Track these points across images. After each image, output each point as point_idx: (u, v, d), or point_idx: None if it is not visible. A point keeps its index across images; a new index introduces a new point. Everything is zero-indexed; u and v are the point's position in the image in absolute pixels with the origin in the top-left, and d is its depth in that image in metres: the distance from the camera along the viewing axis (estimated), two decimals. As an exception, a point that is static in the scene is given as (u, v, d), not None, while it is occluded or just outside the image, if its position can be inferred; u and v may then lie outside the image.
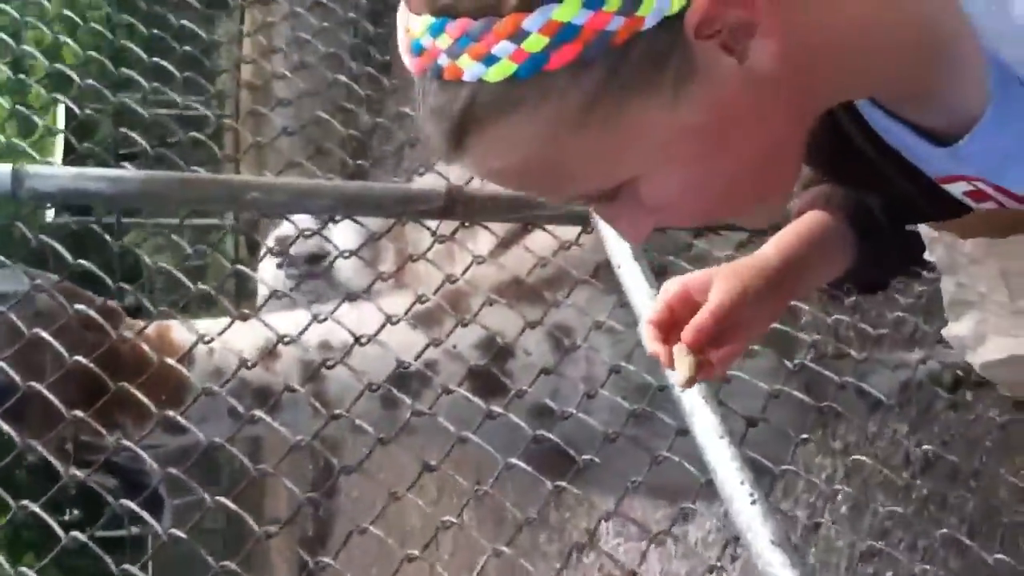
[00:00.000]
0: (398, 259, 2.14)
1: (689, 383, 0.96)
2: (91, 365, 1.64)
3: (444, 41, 0.71)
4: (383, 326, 1.79)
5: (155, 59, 2.16)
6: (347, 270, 2.21)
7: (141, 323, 1.80)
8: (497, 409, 1.74)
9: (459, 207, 1.94)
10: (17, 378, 1.61)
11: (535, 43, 0.69)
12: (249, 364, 1.74)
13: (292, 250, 2.07)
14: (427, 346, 1.80)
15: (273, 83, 3.05)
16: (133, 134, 2.16)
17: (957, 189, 0.91)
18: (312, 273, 2.19)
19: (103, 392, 1.64)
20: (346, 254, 1.99)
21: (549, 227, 2.04)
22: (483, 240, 2.06)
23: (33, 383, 1.60)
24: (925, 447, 2.56)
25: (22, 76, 2.32)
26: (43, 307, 1.73)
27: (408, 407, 1.79)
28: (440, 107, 0.74)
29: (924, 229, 0.92)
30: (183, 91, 2.15)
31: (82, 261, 1.69)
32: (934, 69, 0.79)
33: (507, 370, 1.94)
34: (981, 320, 0.94)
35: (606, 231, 1.88)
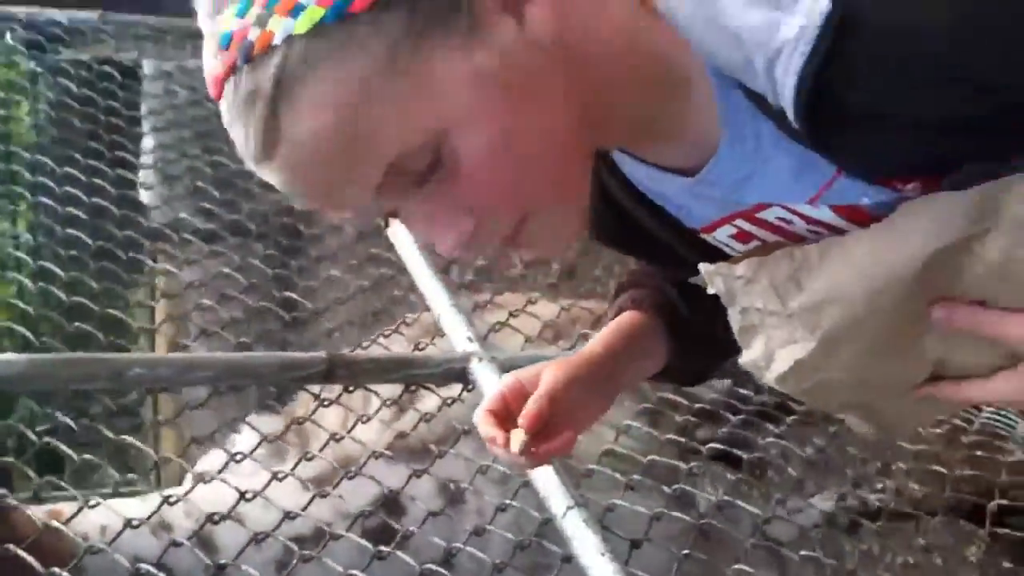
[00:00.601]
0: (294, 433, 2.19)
1: (522, 455, 1.00)
2: None
3: (253, 13, 0.77)
4: (269, 482, 1.81)
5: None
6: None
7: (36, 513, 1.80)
8: (386, 549, 1.75)
9: (340, 371, 2.00)
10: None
11: None
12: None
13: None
14: (312, 498, 1.82)
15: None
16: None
17: (723, 234, 1.00)
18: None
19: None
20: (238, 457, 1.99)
21: (432, 386, 2.11)
22: (375, 405, 2.12)
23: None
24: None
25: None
26: None
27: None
28: (251, 91, 0.79)
29: (703, 267, 1.00)
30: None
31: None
32: (675, 100, 0.89)
33: (402, 524, 1.96)
34: (767, 339, 0.99)
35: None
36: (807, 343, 0.94)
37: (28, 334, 2.14)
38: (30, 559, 1.61)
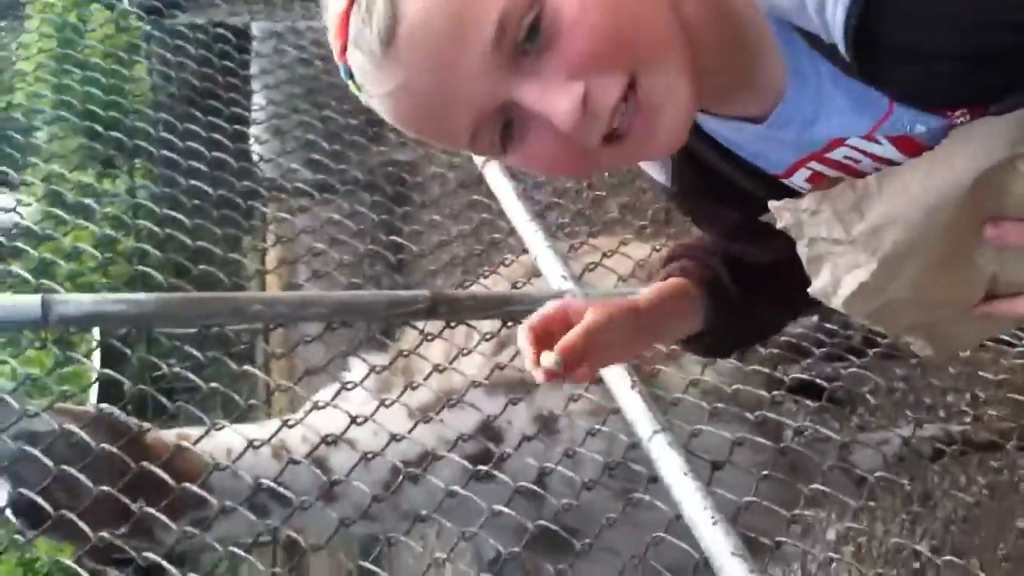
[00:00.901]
0: (400, 370, 2.35)
1: (548, 375, 1.10)
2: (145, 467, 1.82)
3: None
4: (377, 408, 1.97)
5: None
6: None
7: (167, 436, 2.00)
8: (484, 468, 1.89)
9: (442, 308, 2.14)
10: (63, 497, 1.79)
11: None
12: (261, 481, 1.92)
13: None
14: (416, 424, 1.97)
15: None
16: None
17: (800, 178, 1.10)
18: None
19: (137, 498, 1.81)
20: (350, 385, 2.16)
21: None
22: (476, 340, 2.26)
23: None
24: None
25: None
26: (79, 440, 1.91)
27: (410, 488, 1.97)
28: (378, 21, 0.89)
29: (772, 204, 1.10)
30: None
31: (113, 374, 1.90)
32: (746, 52, 0.99)
33: (500, 448, 2.10)
34: (833, 266, 1.07)
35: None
36: (870, 265, 1.04)
37: (158, 276, 2.32)
38: (164, 476, 1.80)
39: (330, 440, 1.93)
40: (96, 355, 2.47)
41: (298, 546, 1.89)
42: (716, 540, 1.69)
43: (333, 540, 1.84)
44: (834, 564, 2.97)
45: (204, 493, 1.87)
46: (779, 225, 1.10)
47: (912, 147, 1.00)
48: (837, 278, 1.10)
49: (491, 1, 0.87)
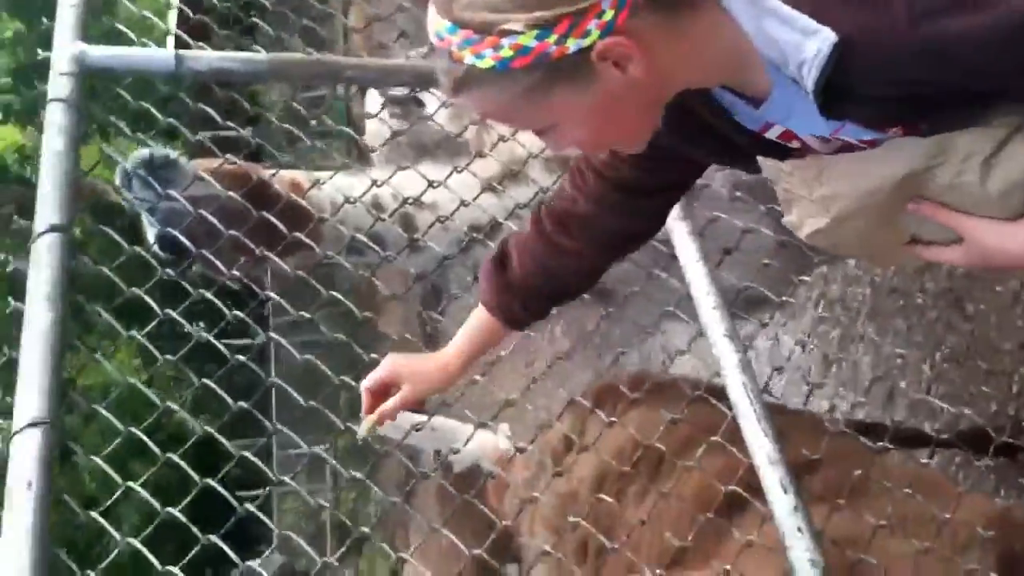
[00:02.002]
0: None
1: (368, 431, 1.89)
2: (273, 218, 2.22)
3: (455, 37, 1.25)
4: (450, 174, 2.35)
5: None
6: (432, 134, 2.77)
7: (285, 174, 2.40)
8: None
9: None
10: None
11: (506, 52, 1.23)
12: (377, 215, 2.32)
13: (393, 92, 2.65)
14: (481, 191, 2.36)
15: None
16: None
17: (773, 133, 1.48)
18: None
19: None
20: (427, 111, 2.52)
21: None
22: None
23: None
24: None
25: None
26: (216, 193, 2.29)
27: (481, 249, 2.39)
28: (447, 70, 1.29)
29: (761, 160, 1.55)
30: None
31: (230, 124, 2.28)
32: (742, 69, 1.36)
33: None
34: (800, 209, 1.57)
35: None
36: (824, 219, 1.53)
37: (269, 29, 2.63)
38: (280, 226, 2.20)
39: (411, 201, 2.33)
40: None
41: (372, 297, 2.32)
42: (713, 320, 2.11)
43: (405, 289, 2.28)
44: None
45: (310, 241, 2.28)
46: (764, 173, 1.57)
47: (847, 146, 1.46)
48: (801, 219, 1.60)
49: (516, 122, 1.41)
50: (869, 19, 1.22)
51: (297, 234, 2.14)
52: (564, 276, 1.86)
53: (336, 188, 2.35)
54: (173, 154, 2.29)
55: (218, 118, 2.30)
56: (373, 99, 3.04)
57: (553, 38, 1.22)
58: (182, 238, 2.12)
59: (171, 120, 2.34)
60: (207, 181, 2.23)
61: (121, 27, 2.43)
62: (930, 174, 1.41)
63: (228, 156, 2.32)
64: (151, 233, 2.26)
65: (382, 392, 1.92)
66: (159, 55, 2.27)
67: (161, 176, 2.23)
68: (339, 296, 2.14)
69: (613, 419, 2.23)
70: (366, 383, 1.92)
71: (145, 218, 2.29)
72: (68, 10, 2.21)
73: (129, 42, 2.35)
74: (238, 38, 2.81)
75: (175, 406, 2.05)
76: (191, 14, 2.58)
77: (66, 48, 2.16)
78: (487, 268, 1.90)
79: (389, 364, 1.93)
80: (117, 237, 2.09)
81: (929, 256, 1.57)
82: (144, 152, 2.26)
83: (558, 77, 1.26)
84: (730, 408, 2.01)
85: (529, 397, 2.30)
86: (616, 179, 1.71)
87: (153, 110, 2.28)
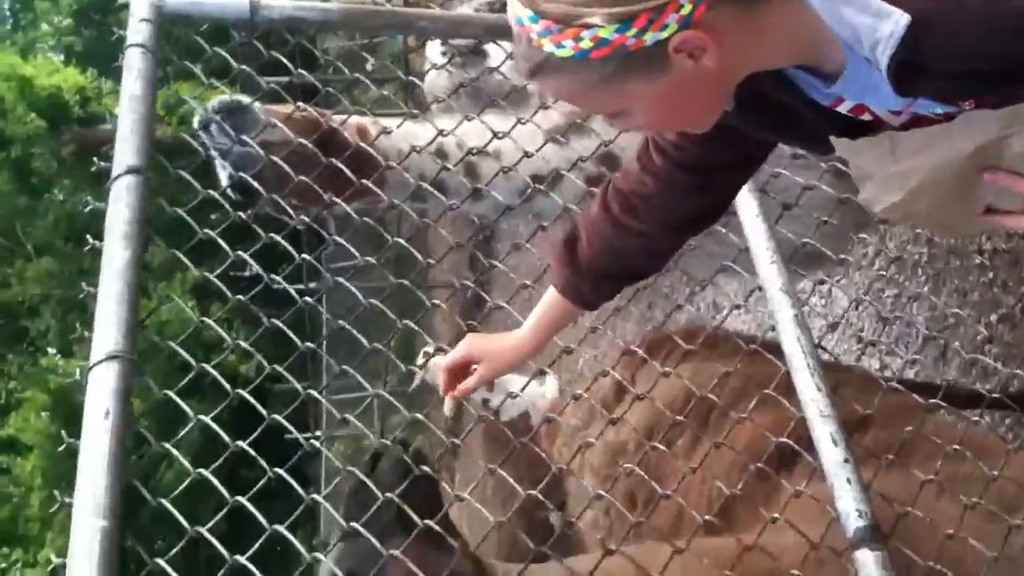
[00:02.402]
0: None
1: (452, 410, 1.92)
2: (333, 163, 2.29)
3: (536, 26, 1.29)
4: (514, 125, 2.40)
5: None
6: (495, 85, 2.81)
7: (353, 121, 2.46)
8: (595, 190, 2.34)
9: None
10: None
11: (586, 43, 1.28)
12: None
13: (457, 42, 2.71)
14: (545, 142, 2.40)
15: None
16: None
17: (844, 107, 1.51)
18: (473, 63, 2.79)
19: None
20: (491, 62, 2.57)
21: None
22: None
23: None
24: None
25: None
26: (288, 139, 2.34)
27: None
28: (526, 55, 1.34)
29: (833, 139, 1.56)
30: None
31: (303, 72, 2.35)
32: (816, 51, 1.40)
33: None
34: (874, 185, 1.63)
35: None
36: (899, 194, 1.59)
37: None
38: (348, 172, 2.25)
39: (475, 152, 2.37)
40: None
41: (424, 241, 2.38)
42: (771, 275, 2.14)
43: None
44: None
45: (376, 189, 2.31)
46: (837, 152, 1.61)
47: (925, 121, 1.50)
48: (876, 195, 1.66)
49: (591, 105, 1.44)
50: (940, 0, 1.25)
51: (365, 181, 2.20)
52: (632, 257, 1.92)
53: (402, 136, 2.41)
54: (248, 101, 2.35)
55: (291, 66, 2.36)
56: (434, 50, 3.08)
57: (632, 31, 1.27)
58: (254, 183, 2.19)
59: (244, 67, 2.40)
60: (279, 127, 2.29)
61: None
62: (1004, 144, 1.47)
63: (299, 104, 2.38)
64: (223, 176, 2.33)
65: (461, 371, 2.07)
66: (234, 3, 2.32)
67: (236, 122, 2.30)
68: (403, 242, 2.20)
69: (667, 369, 2.27)
70: (446, 363, 2.06)
71: (218, 162, 2.36)
72: (147, -43, 2.27)
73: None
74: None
75: (244, 343, 2.10)
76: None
77: (145, -5, 2.22)
78: (557, 250, 1.97)
79: (467, 345, 2.06)
80: (190, 178, 2.16)
81: (1009, 223, 1.62)
82: (223, 98, 2.33)
83: (633, 67, 1.31)
84: (784, 363, 2.05)
85: (581, 348, 2.36)
86: (682, 159, 1.76)
87: (228, 56, 2.33)
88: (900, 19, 1.25)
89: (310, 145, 2.26)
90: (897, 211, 1.63)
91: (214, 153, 2.33)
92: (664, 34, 1.28)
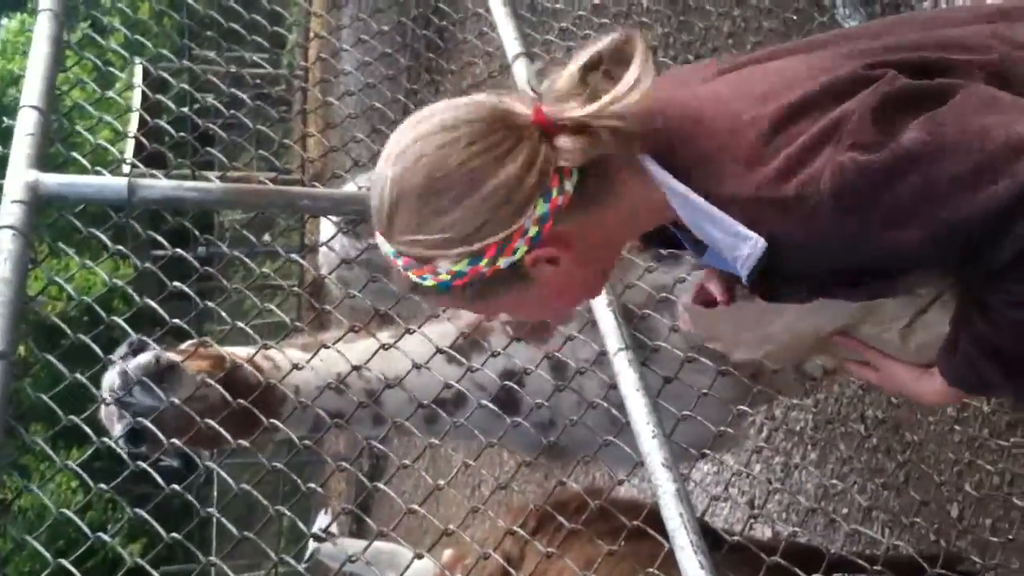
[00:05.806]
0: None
1: None
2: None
3: (399, 261, 1.40)
4: (402, 335, 2.42)
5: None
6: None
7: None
8: (519, 420, 2.43)
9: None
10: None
11: (444, 276, 1.39)
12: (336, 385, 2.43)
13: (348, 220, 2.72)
14: (470, 362, 2.41)
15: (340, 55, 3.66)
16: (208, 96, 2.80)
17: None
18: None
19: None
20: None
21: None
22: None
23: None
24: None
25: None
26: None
27: (447, 421, 2.44)
28: (401, 278, 1.44)
29: (683, 304, 1.83)
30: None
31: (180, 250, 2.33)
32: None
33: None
34: (735, 342, 1.85)
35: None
36: (758, 351, 1.79)
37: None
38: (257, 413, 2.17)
39: (390, 384, 2.41)
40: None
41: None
42: (652, 449, 2.14)
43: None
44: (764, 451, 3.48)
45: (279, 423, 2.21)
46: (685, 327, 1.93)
47: None
48: (729, 348, 1.87)
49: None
50: (795, 224, 1.33)
51: (275, 421, 2.19)
52: None
53: (299, 373, 2.42)
54: (172, 358, 2.29)
55: (169, 247, 2.34)
56: (327, 226, 3.10)
57: (484, 262, 1.37)
58: (155, 429, 2.11)
59: (120, 248, 2.37)
60: (193, 377, 2.24)
61: (76, 155, 2.47)
62: (856, 328, 1.67)
63: (204, 339, 2.37)
64: (117, 427, 2.26)
65: None
66: (112, 184, 2.29)
67: (168, 383, 2.24)
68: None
69: (551, 550, 2.24)
70: None
71: (114, 411, 2.27)
72: (24, 138, 2.25)
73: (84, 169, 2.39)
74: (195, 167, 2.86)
75: (106, 537, 2.02)
76: (147, 144, 2.64)
77: (20, 176, 2.19)
78: None
79: None
80: (60, 365, 2.09)
81: (859, 374, 1.76)
82: (146, 359, 2.25)
83: (498, 285, 1.42)
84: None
85: (472, 524, 2.31)
86: None
87: (104, 238, 2.30)
88: (758, 243, 1.35)
89: (221, 389, 2.20)
90: (753, 359, 1.85)
91: (109, 401, 2.24)
92: (516, 256, 1.38)
